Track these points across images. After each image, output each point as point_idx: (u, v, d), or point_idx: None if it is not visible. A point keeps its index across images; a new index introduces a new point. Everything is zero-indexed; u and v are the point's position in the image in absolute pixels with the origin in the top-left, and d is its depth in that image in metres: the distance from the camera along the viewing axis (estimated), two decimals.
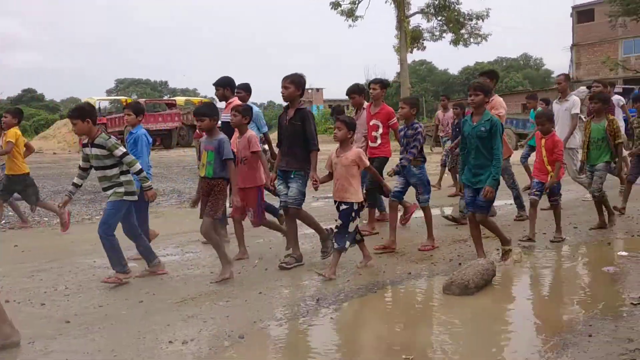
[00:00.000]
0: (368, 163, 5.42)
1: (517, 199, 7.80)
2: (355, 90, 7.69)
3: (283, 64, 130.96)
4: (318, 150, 5.71)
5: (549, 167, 6.33)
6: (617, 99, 10.17)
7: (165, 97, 52.63)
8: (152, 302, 4.80)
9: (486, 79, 7.35)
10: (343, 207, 5.31)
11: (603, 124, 6.85)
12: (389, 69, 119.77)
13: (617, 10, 31.23)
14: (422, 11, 34.00)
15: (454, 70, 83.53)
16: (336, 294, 4.80)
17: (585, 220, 7.34)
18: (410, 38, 32.98)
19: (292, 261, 5.69)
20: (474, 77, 73.16)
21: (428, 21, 34.56)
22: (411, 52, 34.43)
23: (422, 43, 34.82)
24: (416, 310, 4.57)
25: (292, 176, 5.66)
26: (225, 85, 7.12)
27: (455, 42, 33.98)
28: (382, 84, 7.40)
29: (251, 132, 6.12)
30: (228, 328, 4.08)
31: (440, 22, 34.02)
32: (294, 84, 5.67)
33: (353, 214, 5.28)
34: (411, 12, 33.65)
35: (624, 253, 5.73)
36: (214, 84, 7.17)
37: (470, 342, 3.81)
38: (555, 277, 5.29)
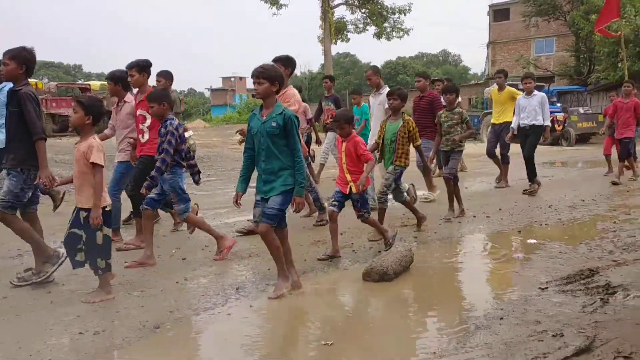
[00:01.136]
0: (98, 160, 4.25)
1: (317, 202, 7.22)
2: (111, 77, 6.25)
3: (205, 52, 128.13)
4: (44, 138, 4.64)
5: (348, 176, 5.45)
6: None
7: (80, 82, 50.39)
8: (62, 292, 4.57)
9: (280, 65, 6.18)
10: (83, 214, 4.30)
11: (398, 124, 6.18)
12: (314, 60, 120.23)
13: (531, 11, 32.77)
14: (346, 3, 34.26)
15: (377, 63, 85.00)
16: (256, 282, 4.74)
17: (497, 210, 7.64)
18: (334, 29, 33.18)
19: (29, 277, 4.71)
20: (396, 71, 75.00)
21: (352, 13, 34.92)
22: (335, 43, 34.66)
23: (346, 35, 35.11)
24: (336, 297, 4.59)
25: (7, 174, 4.66)
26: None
27: (378, 35, 34.47)
28: (139, 67, 6.13)
29: None
30: (142, 318, 3.94)
31: (364, 15, 34.43)
32: (15, 59, 4.61)
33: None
34: (336, 3, 33.84)
35: (533, 241, 6.00)
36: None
37: (387, 327, 3.86)
38: (469, 264, 5.45)
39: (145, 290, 4.55)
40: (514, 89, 10.19)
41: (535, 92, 9.21)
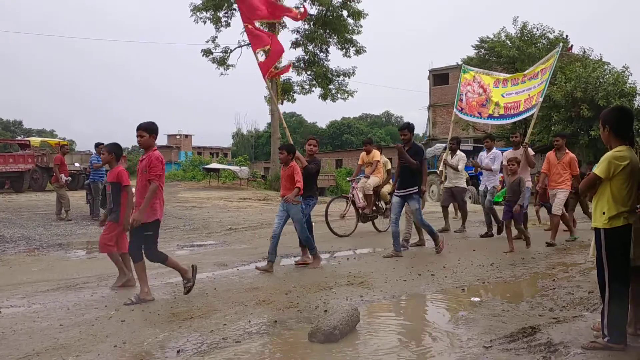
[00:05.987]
0: None
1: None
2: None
3: (150, 109, 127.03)
4: None
5: None
6: None
7: (19, 137, 49.09)
8: None
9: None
10: None
11: None
12: (261, 119, 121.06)
13: None
14: (292, 65, 35.00)
15: (322, 123, 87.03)
16: (198, 345, 4.58)
17: (441, 268, 7.73)
18: (281, 90, 33.72)
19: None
20: (341, 131, 76.54)
21: (298, 75, 35.66)
22: (282, 103, 35.12)
23: (293, 95, 35.70)
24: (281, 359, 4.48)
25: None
26: None
27: (323, 97, 35.19)
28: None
29: None
30: None
31: (310, 77, 35.20)
32: None
33: None
34: (282, 64, 34.51)
35: (476, 299, 6.07)
36: None
37: None
38: (414, 323, 5.45)
39: (81, 356, 4.32)
40: None
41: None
